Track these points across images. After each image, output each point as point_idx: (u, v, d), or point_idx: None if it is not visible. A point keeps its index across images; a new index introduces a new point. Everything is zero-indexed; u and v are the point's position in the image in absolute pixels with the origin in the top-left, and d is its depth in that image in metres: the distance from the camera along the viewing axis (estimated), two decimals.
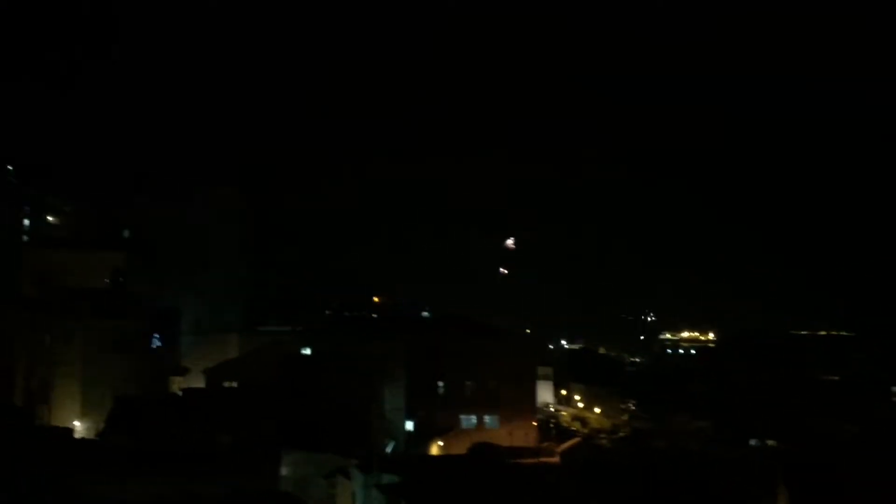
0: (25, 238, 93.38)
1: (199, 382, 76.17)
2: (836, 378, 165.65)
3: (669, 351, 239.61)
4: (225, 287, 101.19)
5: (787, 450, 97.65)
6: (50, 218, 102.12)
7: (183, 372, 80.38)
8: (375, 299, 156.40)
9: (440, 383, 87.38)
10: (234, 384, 73.21)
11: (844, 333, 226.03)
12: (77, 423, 66.73)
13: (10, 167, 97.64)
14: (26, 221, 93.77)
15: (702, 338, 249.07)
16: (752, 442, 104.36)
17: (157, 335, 76.36)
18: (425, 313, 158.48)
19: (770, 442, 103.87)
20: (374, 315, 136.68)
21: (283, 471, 53.82)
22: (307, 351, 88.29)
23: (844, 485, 67.79)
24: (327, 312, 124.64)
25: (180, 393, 73.18)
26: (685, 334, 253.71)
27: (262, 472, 46.36)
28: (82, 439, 62.16)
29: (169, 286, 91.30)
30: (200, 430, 54.44)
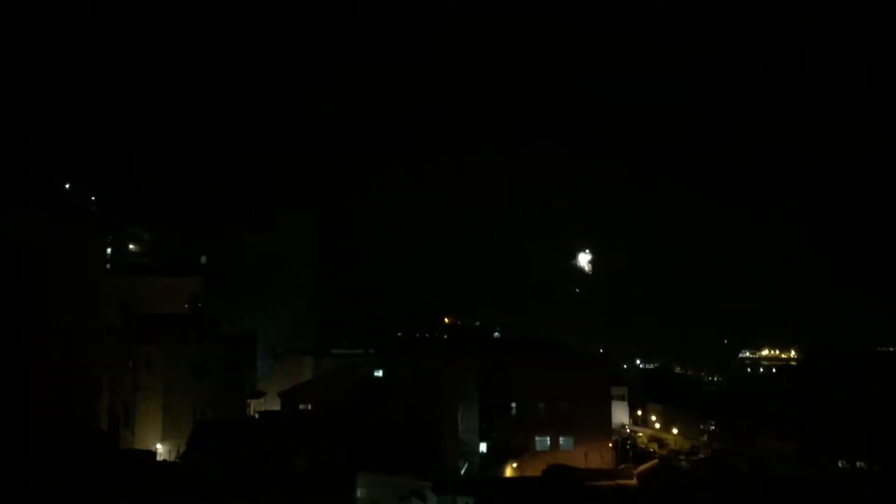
0: (108, 266, 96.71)
1: (274, 405, 77.18)
2: None
3: (749, 370, 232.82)
4: (299, 311, 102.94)
5: (877, 472, 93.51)
6: (131, 246, 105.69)
7: (259, 395, 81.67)
8: (447, 320, 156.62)
9: (513, 404, 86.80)
10: (309, 406, 73.88)
11: None
12: (159, 446, 68.32)
13: (93, 197, 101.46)
14: (108, 250, 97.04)
15: (783, 356, 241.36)
16: (840, 464, 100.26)
17: (234, 359, 77.78)
18: (497, 333, 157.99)
19: (859, 464, 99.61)
20: (446, 336, 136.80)
21: (358, 493, 53.97)
22: (379, 373, 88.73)
23: None
24: (399, 334, 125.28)
25: (257, 416, 74.26)
26: (765, 352, 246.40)
27: (336, 494, 46.53)
28: (163, 461, 63.57)
29: (245, 310, 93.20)
30: (276, 453, 55.05)
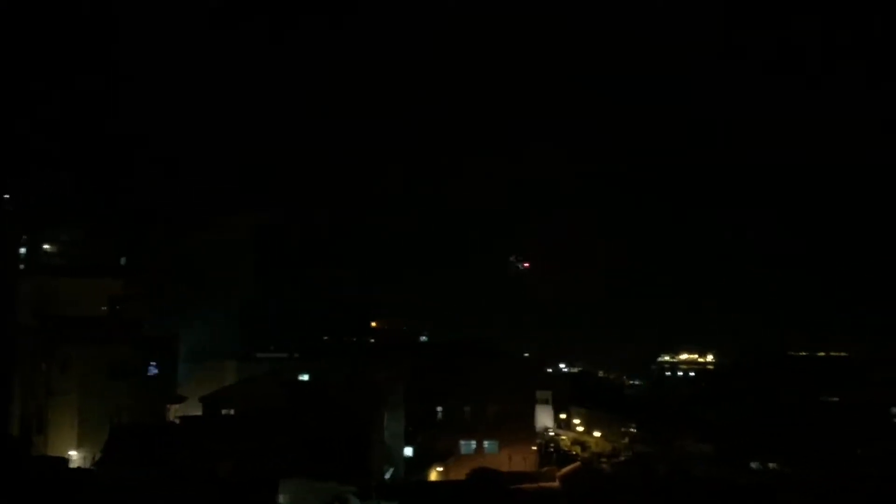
0: (22, 266, 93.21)
1: (196, 410, 75.60)
2: (836, 399, 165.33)
3: (668, 374, 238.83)
4: (223, 314, 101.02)
5: (788, 472, 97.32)
6: (46, 246, 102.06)
7: (180, 400, 79.78)
8: (374, 324, 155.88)
9: (439, 409, 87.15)
10: (232, 411, 72.67)
11: (843, 354, 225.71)
12: (73, 453, 66.12)
13: (6, 195, 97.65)
14: (22, 249, 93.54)
15: (700, 360, 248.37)
16: (754, 465, 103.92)
17: (154, 363, 75.91)
18: (424, 338, 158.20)
19: (772, 465, 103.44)
20: (373, 340, 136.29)
21: (281, 499, 53.32)
22: (305, 377, 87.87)
23: None
24: (325, 338, 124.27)
25: (178, 421, 72.65)
26: (684, 356, 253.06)
27: (259, 500, 45.89)
28: (78, 469, 61.58)
29: (167, 313, 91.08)
30: (198, 458, 53.97)
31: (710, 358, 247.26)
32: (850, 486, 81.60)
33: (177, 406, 78.71)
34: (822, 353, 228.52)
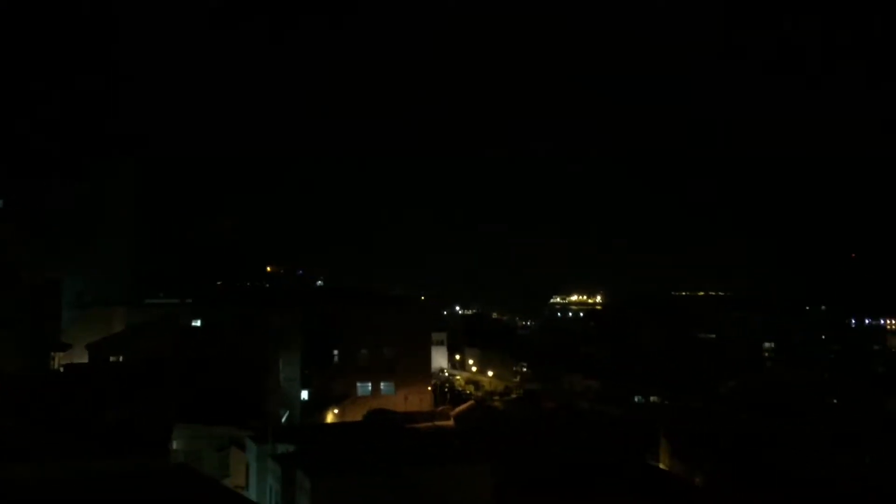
0: None
1: (82, 358, 73.39)
2: (714, 336, 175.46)
3: (559, 314, 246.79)
4: (110, 260, 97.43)
5: (668, 405, 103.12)
6: None
7: (64, 347, 77.12)
8: (269, 269, 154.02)
9: (335, 352, 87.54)
10: (120, 358, 70.89)
11: (721, 293, 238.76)
12: None
13: None
14: None
15: (590, 301, 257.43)
16: (637, 399, 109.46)
17: (35, 309, 72.83)
18: (320, 282, 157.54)
19: (653, 398, 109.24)
20: (268, 285, 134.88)
21: (175, 445, 52.81)
22: (197, 323, 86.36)
23: (721, 436, 72.33)
24: (218, 283, 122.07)
25: (62, 369, 70.37)
26: (574, 297, 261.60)
27: (151, 447, 45.29)
28: None
29: (52, 259, 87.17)
30: (85, 407, 52.64)
31: (598, 299, 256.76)
32: (719, 414, 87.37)
33: (61, 354, 76.12)
34: (702, 293, 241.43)
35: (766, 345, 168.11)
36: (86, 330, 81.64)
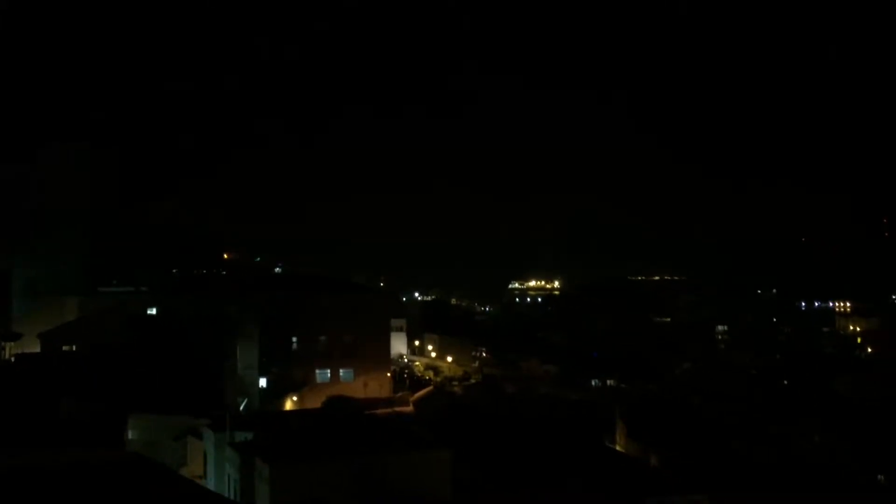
0: None
1: (34, 347, 72.01)
2: (669, 320, 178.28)
3: (518, 300, 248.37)
4: (62, 248, 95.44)
5: (624, 388, 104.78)
6: None
7: (15, 337, 75.65)
8: (226, 256, 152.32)
9: (294, 339, 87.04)
10: (74, 348, 69.70)
11: (676, 278, 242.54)
12: None
13: None
14: None
15: (548, 286, 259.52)
16: (594, 382, 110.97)
17: None
18: (278, 269, 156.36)
19: (610, 382, 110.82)
20: (225, 272, 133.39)
21: (131, 435, 52.23)
22: (153, 311, 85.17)
23: (675, 416, 73.79)
24: (174, 271, 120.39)
25: (13, 359, 68.99)
26: (532, 283, 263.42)
27: (105, 438, 44.78)
28: None
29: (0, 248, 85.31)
30: (37, 398, 51.73)
31: (556, 284, 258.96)
32: (673, 397, 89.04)
33: (12, 344, 74.65)
34: (657, 278, 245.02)
35: (719, 328, 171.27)
36: (38, 319, 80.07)
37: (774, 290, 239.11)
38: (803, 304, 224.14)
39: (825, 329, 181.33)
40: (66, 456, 37.42)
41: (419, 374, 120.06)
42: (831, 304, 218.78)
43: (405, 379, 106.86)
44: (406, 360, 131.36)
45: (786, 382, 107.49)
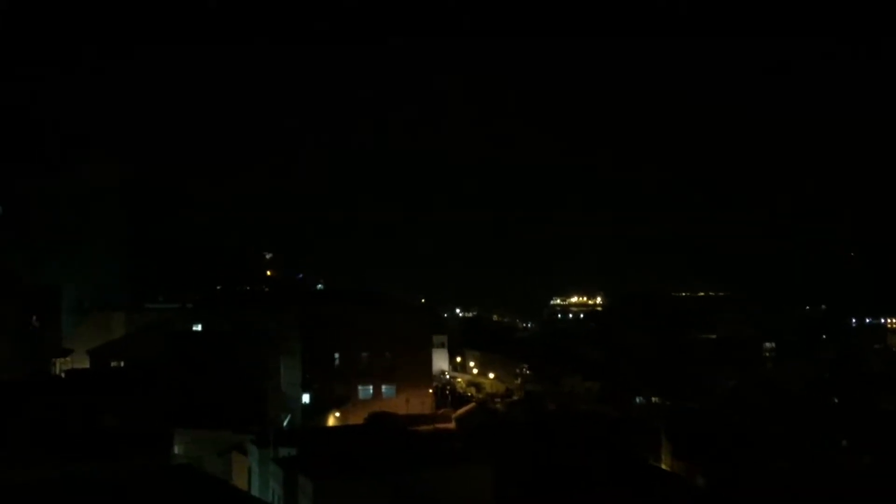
0: None
1: (83, 363, 73.37)
2: (714, 336, 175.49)
3: (559, 316, 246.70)
4: (108, 264, 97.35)
5: (669, 406, 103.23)
6: None
7: (66, 353, 77.13)
8: (268, 272, 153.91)
9: (336, 355, 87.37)
10: (121, 363, 70.87)
11: (721, 294, 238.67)
12: None
13: None
14: None
15: (590, 302, 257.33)
16: (638, 400, 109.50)
17: (35, 315, 72.80)
18: (320, 286, 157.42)
19: (654, 399, 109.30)
20: (267, 289, 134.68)
21: (176, 450, 52.87)
22: (198, 327, 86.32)
23: (721, 435, 72.32)
24: (218, 287, 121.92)
25: (63, 375, 70.33)
26: (574, 299, 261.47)
27: (152, 451, 45.38)
28: None
29: (47, 263, 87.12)
30: (86, 412, 52.66)
31: (598, 300, 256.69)
32: (720, 415, 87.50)
33: (63, 360, 76.14)
34: (702, 293, 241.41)
35: (767, 344, 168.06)
36: (87, 335, 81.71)
37: (823, 307, 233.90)
38: (853, 320, 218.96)
39: (876, 346, 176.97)
40: (115, 467, 38.02)
41: (461, 391, 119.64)
42: (883, 320, 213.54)
43: (447, 395, 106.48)
44: (448, 377, 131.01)
45: (835, 401, 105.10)
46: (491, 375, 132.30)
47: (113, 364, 71.55)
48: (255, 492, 47.38)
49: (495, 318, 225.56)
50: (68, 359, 76.70)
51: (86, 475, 35.23)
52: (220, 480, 42.45)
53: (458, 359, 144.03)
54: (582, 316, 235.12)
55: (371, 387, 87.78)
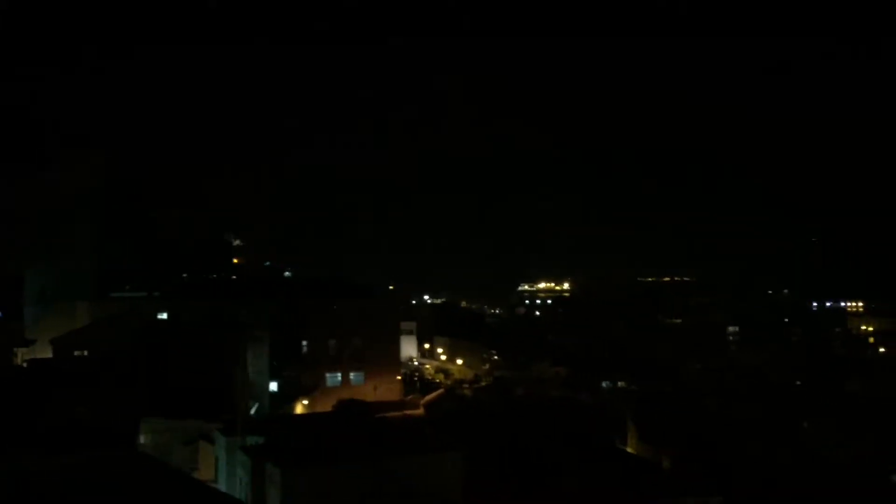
0: None
1: (46, 353, 72.25)
2: (679, 321, 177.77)
3: (527, 302, 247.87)
4: (74, 254, 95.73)
5: (635, 390, 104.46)
6: None
7: (28, 343, 75.89)
8: (235, 261, 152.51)
9: (304, 343, 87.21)
10: (86, 353, 69.90)
11: (687, 279, 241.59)
12: None
13: None
14: None
15: (557, 287, 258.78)
16: (605, 384, 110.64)
17: None
18: (287, 273, 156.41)
19: (621, 384, 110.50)
20: (235, 277, 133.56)
21: (142, 439, 52.40)
22: (164, 316, 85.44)
23: (688, 417, 73.42)
24: (185, 276, 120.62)
25: (25, 365, 69.25)
26: (542, 285, 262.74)
27: (117, 441, 44.90)
28: None
29: (9, 253, 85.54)
30: (49, 402, 51.97)
31: (566, 286, 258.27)
32: (685, 398, 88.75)
33: (24, 350, 74.91)
34: (667, 279, 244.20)
35: (731, 329, 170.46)
36: (49, 325, 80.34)
37: (786, 291, 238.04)
38: (815, 304, 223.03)
39: (837, 329, 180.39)
40: (74, 457, 37.57)
41: (429, 377, 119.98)
42: (843, 303, 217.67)
43: (415, 382, 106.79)
44: (416, 364, 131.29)
45: (798, 383, 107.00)
46: (459, 361, 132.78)
47: (77, 353, 70.53)
48: (221, 481, 47.18)
49: (464, 304, 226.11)
50: (30, 349, 75.48)
51: (35, 468, 34.75)
52: (174, 470, 42.13)
53: (427, 345, 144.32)
54: (549, 301, 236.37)
55: (339, 374, 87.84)
